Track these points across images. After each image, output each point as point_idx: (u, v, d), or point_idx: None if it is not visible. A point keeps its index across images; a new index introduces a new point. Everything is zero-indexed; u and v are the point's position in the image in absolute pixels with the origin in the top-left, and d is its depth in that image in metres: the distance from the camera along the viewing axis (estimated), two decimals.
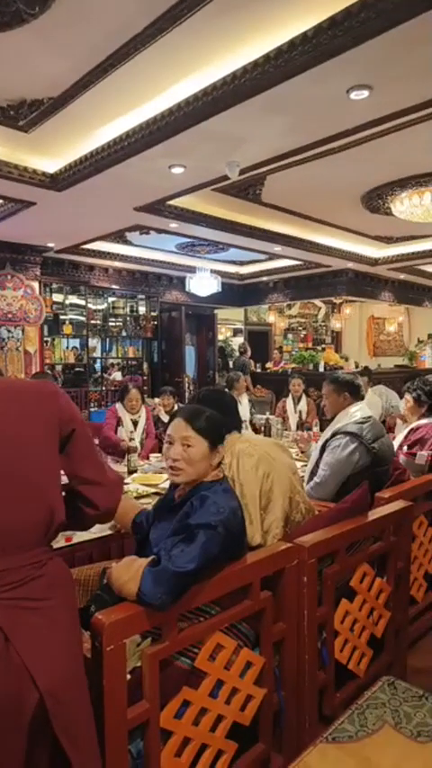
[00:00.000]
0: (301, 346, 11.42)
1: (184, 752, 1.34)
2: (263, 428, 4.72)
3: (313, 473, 2.64)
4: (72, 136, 3.60)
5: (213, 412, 1.61)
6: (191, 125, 3.15)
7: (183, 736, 1.33)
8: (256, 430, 4.86)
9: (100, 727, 1.17)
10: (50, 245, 6.33)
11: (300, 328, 12.07)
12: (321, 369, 8.29)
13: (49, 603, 1.06)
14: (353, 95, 2.83)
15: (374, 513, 2.02)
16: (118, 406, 4.06)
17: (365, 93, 2.81)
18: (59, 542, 2.12)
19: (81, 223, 5.43)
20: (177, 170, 3.90)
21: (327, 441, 2.57)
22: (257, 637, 1.57)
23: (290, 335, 11.88)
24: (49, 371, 6.57)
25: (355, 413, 2.59)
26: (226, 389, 4.13)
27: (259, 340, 10.95)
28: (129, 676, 1.27)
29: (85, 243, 6.32)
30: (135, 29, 2.46)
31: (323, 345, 11.54)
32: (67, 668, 1.06)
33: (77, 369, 7.81)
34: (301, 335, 11.94)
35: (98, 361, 8.48)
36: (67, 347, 7.75)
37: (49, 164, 4.04)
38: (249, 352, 9.34)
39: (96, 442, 3.23)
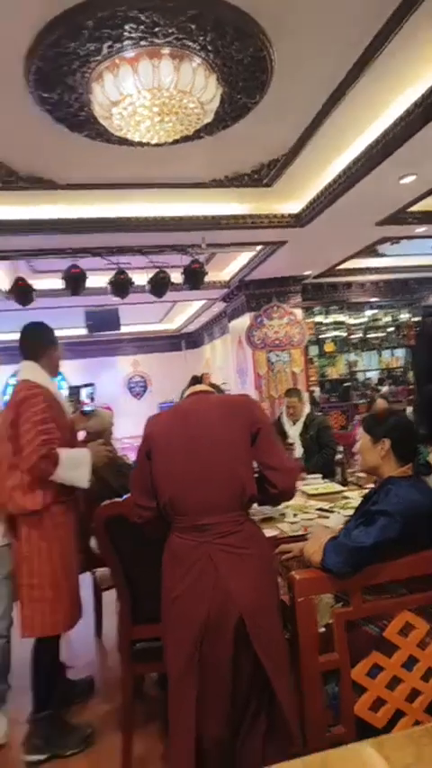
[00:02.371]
0: None
1: (380, 710, 1.53)
2: None
3: None
4: (306, 178, 4.11)
5: (397, 415, 1.79)
6: (410, 137, 3.24)
7: (376, 695, 1.53)
8: None
9: (297, 664, 1.50)
10: (307, 272, 6.98)
11: None
12: None
13: (247, 551, 1.49)
14: None
15: None
16: None
17: None
18: (299, 531, 2.55)
19: (329, 248, 5.88)
20: (408, 179, 3.95)
21: None
22: None
23: None
24: (301, 389, 6.96)
25: None
26: None
27: None
28: (323, 629, 1.57)
29: (338, 264, 6.72)
30: (336, 79, 2.79)
31: None
32: (258, 599, 1.46)
33: (345, 384, 8.20)
34: None
35: (362, 374, 8.67)
36: (331, 364, 8.24)
37: (292, 206, 4.65)
38: None
39: (341, 448, 3.60)
